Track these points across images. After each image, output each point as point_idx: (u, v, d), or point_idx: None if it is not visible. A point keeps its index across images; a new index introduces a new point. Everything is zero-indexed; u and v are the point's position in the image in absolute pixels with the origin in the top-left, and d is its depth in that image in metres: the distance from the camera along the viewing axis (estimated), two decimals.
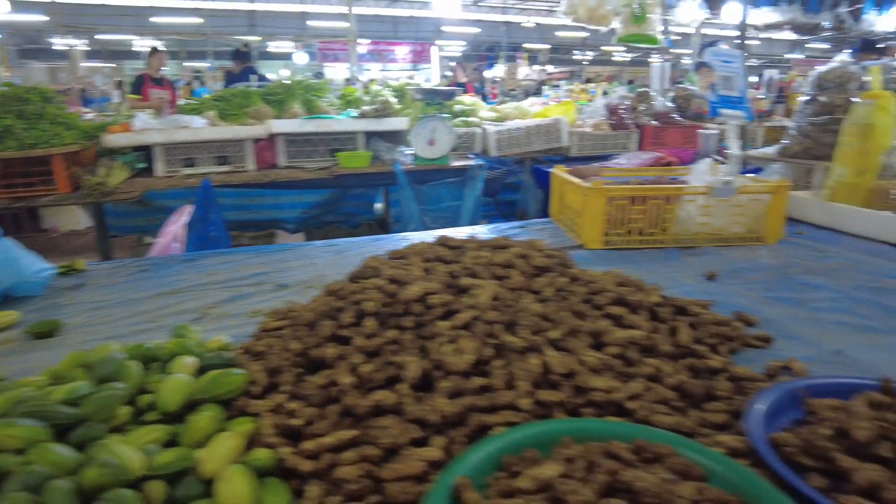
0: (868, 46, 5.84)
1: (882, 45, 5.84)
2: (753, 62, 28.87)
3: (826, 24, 6.09)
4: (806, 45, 18.52)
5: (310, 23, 22.06)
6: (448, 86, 9.22)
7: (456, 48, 27.38)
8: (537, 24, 21.76)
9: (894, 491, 0.49)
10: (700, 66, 1.40)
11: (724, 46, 1.78)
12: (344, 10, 9.54)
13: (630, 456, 0.53)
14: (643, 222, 1.42)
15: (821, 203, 1.61)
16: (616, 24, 5.23)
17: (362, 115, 3.26)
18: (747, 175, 1.87)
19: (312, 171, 3.17)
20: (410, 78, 18.24)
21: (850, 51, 6.16)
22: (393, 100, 3.47)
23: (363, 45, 25.89)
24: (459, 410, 0.59)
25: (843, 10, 6.22)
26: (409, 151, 3.30)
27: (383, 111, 3.26)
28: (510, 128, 3.59)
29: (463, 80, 9.14)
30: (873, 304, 1.02)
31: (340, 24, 17.94)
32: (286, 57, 22.80)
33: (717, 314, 0.93)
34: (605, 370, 0.67)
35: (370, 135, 3.34)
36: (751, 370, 0.75)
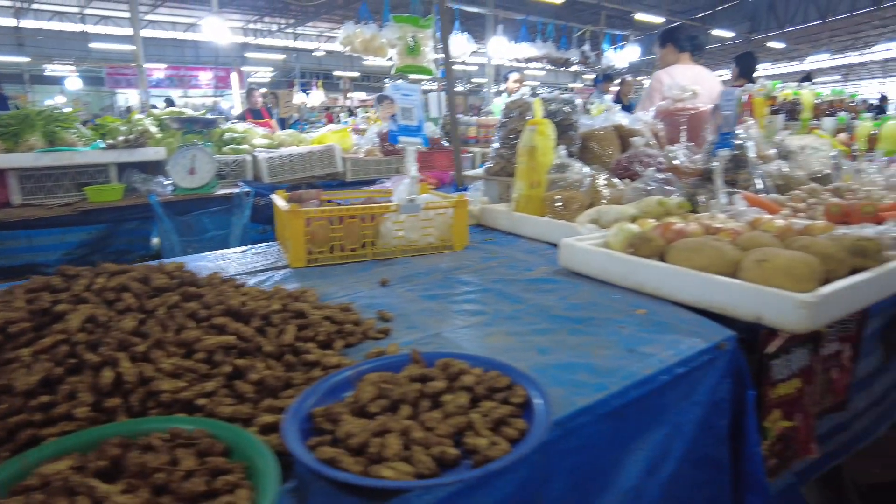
0: (608, 78, 6.98)
1: (619, 79, 7.00)
2: (545, 90, 32.59)
3: (574, 59, 7.19)
4: (583, 76, 21.29)
5: (93, 45, 19.87)
6: (245, 112, 8.96)
7: (265, 74, 26.69)
8: (327, 52, 22.10)
9: (366, 435, 0.62)
10: (382, 98, 1.59)
11: (404, 82, 2.01)
12: (129, 31, 8.81)
13: (160, 443, 0.60)
14: (346, 240, 1.55)
15: (507, 213, 1.90)
16: (392, 55, 5.57)
17: (112, 146, 3.06)
18: (458, 193, 2.14)
19: (54, 208, 2.88)
20: (214, 104, 17.29)
21: (595, 81, 7.23)
22: (154, 129, 3.31)
23: (160, 70, 23.97)
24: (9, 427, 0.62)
25: (587, 48, 7.40)
26: (168, 182, 3.16)
27: (136, 141, 3.09)
28: (282, 154, 3.61)
29: (258, 106, 8.94)
30: (496, 293, 1.24)
31: (128, 47, 16.44)
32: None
33: (356, 314, 1.07)
34: (186, 373, 0.74)
35: (124, 166, 3.14)
36: (347, 359, 0.87)
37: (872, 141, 3.16)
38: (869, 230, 1.24)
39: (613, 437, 0.78)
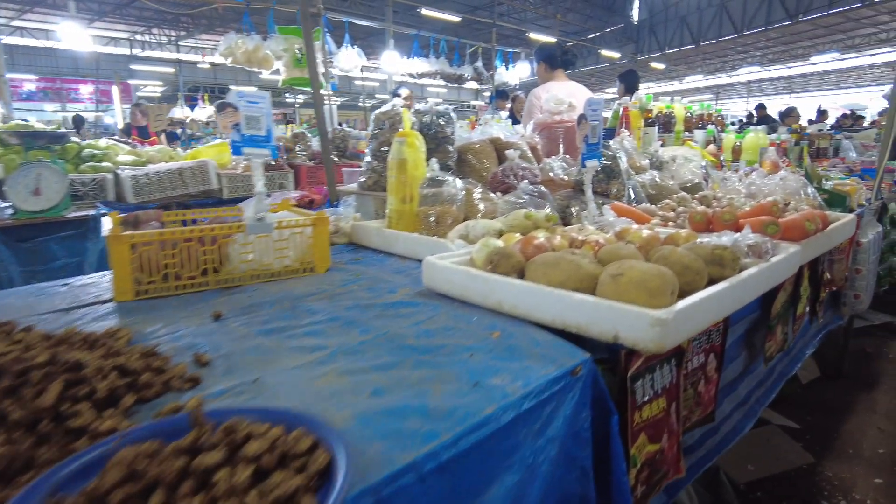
0: (502, 95, 7.11)
1: (513, 95, 7.13)
2: (446, 106, 33.14)
3: (468, 75, 7.28)
4: (484, 94, 21.82)
5: None
6: (130, 128, 8.28)
7: (155, 88, 25.14)
8: (213, 64, 21.25)
9: None
10: (223, 106, 1.45)
11: (249, 89, 1.85)
12: None
13: None
14: (183, 267, 1.35)
15: (378, 230, 1.77)
16: (279, 67, 5.33)
17: None
18: (328, 209, 1.98)
19: None
20: (96, 119, 15.94)
21: (489, 98, 7.29)
22: None
23: (30, 81, 21.87)
24: None
25: (479, 64, 7.53)
26: (6, 204, 2.76)
27: None
28: (149, 172, 3.28)
29: (143, 122, 8.31)
30: (346, 322, 1.10)
31: None
32: None
33: (163, 358, 0.89)
34: None
35: None
36: (129, 421, 0.70)
37: (737, 152, 3.36)
38: (726, 238, 1.23)
39: (446, 497, 0.66)
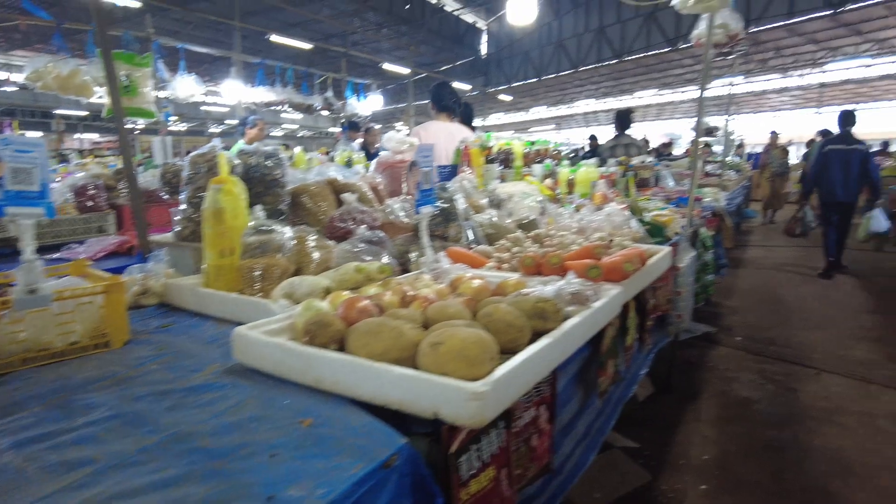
0: (353, 126, 7.04)
1: (366, 126, 7.10)
2: (306, 133, 32.53)
3: (317, 105, 7.14)
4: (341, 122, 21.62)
5: None
6: None
7: None
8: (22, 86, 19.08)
9: None
10: None
11: (27, 134, 1.57)
12: None
13: None
14: None
15: (192, 289, 1.57)
16: (102, 95, 4.78)
17: None
18: (137, 265, 1.73)
19: None
20: None
21: (342, 129, 7.19)
22: None
23: None
24: None
25: (330, 94, 7.43)
26: None
27: None
28: None
29: None
30: (129, 420, 0.92)
31: None
32: None
33: None
34: None
35: None
36: None
37: (571, 185, 3.58)
38: (549, 289, 1.23)
39: None
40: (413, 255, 1.73)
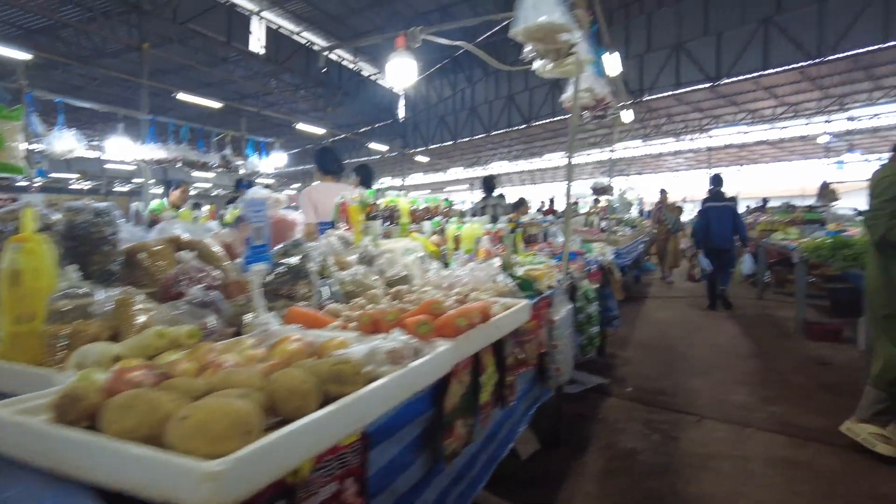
0: (247, 185, 6.90)
1: (267, 183, 6.95)
2: (221, 192, 31.69)
3: (214, 162, 6.96)
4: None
5: None
6: None
7: None
8: None
9: None
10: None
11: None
12: None
13: None
14: None
15: None
16: None
17: None
18: None
19: None
20: None
21: (237, 186, 6.99)
22: None
23: None
24: None
25: (228, 151, 7.28)
26: None
27: None
28: None
29: None
30: None
31: None
32: None
33: None
34: None
35: None
36: None
37: (458, 240, 3.60)
38: (360, 348, 1.17)
39: None
40: (249, 317, 1.62)
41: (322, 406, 0.97)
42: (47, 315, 1.44)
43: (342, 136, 22.81)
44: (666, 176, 31.90)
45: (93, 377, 1.06)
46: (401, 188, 23.96)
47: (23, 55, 10.04)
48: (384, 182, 32.89)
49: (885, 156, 3.74)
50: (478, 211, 6.41)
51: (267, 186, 6.40)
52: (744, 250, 9.19)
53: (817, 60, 13.40)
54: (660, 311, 8.05)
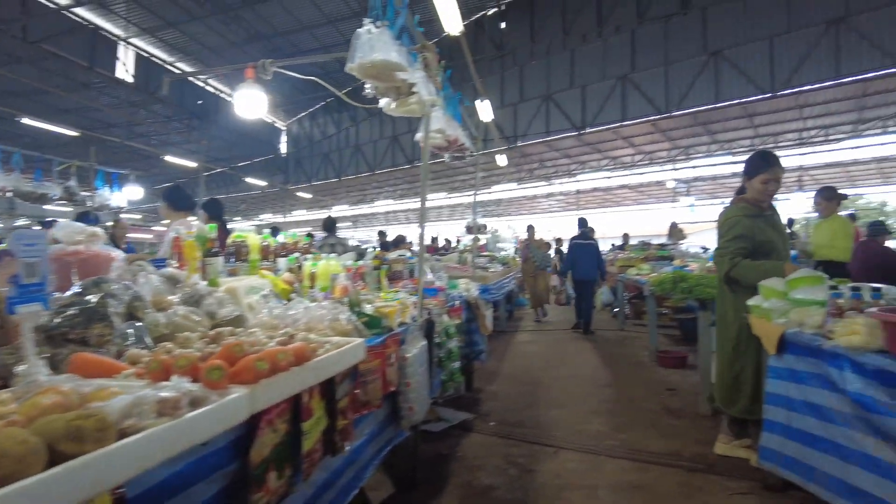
0: (91, 220, 6.32)
1: (115, 219, 6.39)
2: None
3: (54, 194, 6.30)
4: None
5: None
6: None
7: None
8: None
9: None
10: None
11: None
12: None
13: None
14: None
15: None
16: None
17: None
18: None
19: None
20: None
21: (90, 220, 6.38)
22: None
23: None
24: None
25: (73, 183, 6.64)
26: None
27: None
28: None
29: None
30: None
31: None
32: None
33: None
34: None
35: None
36: None
37: (314, 277, 3.48)
38: (122, 398, 1.04)
39: None
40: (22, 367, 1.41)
41: None
42: None
43: (218, 169, 21.78)
44: (540, 217, 33.79)
45: None
46: (283, 224, 23.21)
47: None
48: (264, 218, 31.70)
49: (728, 199, 4.23)
50: (322, 248, 6.50)
51: (116, 221, 5.87)
52: (602, 283, 10.55)
53: (664, 115, 15.07)
54: (528, 345, 8.35)
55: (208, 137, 20.65)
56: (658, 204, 30.28)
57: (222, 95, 21.13)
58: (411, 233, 15.67)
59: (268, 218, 31.27)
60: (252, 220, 30.58)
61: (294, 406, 1.65)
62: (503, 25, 17.78)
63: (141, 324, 1.82)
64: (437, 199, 27.78)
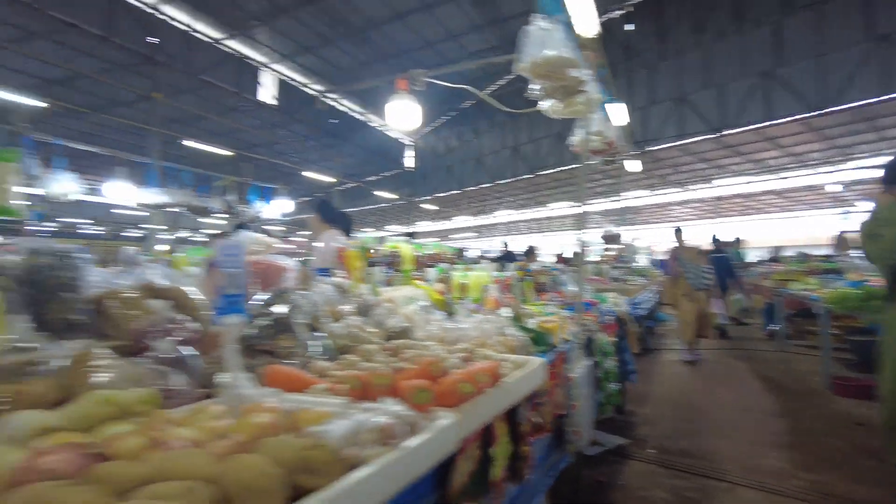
0: (243, 227, 6.79)
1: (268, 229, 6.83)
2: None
3: (215, 208, 6.89)
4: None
5: None
6: None
7: None
8: None
9: None
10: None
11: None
12: None
13: None
14: None
15: None
16: None
17: None
18: None
19: None
20: None
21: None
22: None
23: None
24: None
25: (231, 197, 7.23)
26: None
27: None
28: None
29: None
30: None
31: None
32: None
33: None
34: None
35: None
36: None
37: (464, 289, 3.39)
38: (341, 426, 0.94)
39: None
40: (219, 377, 1.40)
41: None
42: None
43: (351, 184, 22.99)
44: (672, 226, 31.86)
45: (4, 459, 0.84)
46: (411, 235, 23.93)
47: (36, 103, 10.19)
48: (390, 228, 32.96)
49: None
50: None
51: (266, 231, 6.28)
52: (736, 289, 10.65)
53: (818, 112, 13.43)
54: (677, 364, 7.70)
55: (341, 154, 21.88)
56: (809, 210, 27.26)
57: (355, 114, 22.31)
58: (527, 244, 15.34)
59: (394, 228, 32.49)
60: (380, 231, 31.90)
61: (484, 430, 1.51)
62: (630, 27, 16.99)
63: (323, 335, 1.79)
64: (559, 208, 27.16)
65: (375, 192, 23.91)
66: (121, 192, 6.16)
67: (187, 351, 1.43)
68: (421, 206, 26.09)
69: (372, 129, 23.29)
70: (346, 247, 2.76)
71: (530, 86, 2.43)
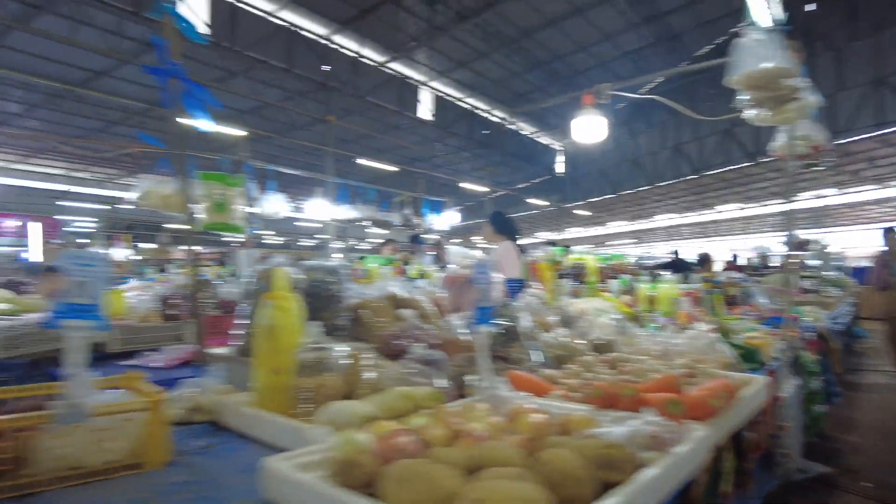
0: (418, 240, 7.23)
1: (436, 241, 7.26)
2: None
3: (396, 221, 7.49)
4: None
5: None
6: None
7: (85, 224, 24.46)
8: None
9: None
10: (48, 270, 1.29)
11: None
12: None
13: None
14: None
15: (237, 409, 1.50)
16: (199, 212, 5.22)
17: None
18: (190, 380, 1.71)
19: None
20: (14, 254, 15.03)
21: (413, 242, 7.42)
22: None
23: None
24: None
25: (408, 211, 7.81)
26: None
27: None
28: (15, 323, 2.91)
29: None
30: None
31: None
32: None
33: None
34: None
35: None
36: None
37: (653, 301, 3.36)
38: (621, 430, 1.06)
39: None
40: (470, 379, 1.59)
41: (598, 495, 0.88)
42: (294, 369, 1.54)
43: (502, 192, 23.36)
44: (864, 230, 27.59)
45: (356, 440, 1.07)
46: (562, 242, 23.66)
47: (239, 132, 11.91)
48: (540, 236, 32.84)
49: None
50: None
51: (438, 242, 6.70)
52: None
53: None
54: (883, 388, 6.75)
55: (492, 164, 22.34)
56: None
57: (505, 124, 22.68)
58: (698, 251, 14.31)
59: (543, 235, 32.33)
60: (531, 238, 31.93)
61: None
62: (811, 7, 15.16)
63: (538, 344, 1.94)
64: (727, 210, 25.03)
65: (527, 200, 24.04)
66: (319, 209, 7.04)
67: (439, 355, 1.64)
68: (573, 211, 25.66)
69: (522, 136, 23.46)
70: (539, 259, 2.90)
71: (738, 96, 2.37)
